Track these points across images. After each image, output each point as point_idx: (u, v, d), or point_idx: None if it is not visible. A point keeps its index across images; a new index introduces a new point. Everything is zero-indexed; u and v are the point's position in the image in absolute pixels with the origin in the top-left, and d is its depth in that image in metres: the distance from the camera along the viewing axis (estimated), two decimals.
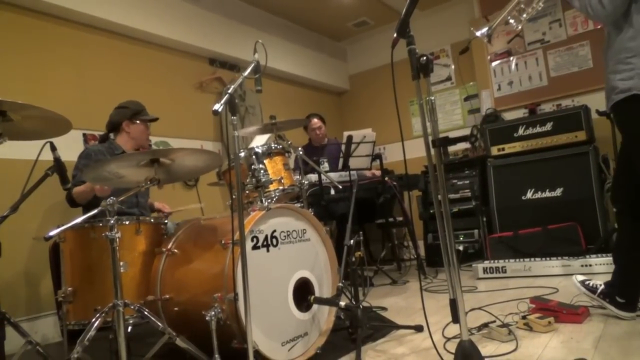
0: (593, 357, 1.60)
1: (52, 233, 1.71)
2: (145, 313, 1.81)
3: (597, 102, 4.00)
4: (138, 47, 3.96)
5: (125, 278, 1.86)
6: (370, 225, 4.76)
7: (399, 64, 1.79)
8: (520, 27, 1.96)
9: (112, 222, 1.71)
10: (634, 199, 1.91)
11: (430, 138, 1.44)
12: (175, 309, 1.95)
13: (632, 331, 1.86)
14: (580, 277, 2.24)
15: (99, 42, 3.68)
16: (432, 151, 1.45)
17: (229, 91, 1.48)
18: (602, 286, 2.10)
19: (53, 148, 2.04)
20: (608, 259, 3.09)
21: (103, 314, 1.75)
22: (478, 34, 1.89)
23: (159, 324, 1.80)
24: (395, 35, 1.46)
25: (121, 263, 1.77)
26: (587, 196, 3.68)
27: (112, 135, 2.79)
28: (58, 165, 2.05)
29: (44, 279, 3.02)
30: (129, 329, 1.83)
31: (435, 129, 1.41)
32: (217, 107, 1.43)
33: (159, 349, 1.86)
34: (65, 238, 2.00)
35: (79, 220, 1.77)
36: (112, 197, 1.72)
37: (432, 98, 1.42)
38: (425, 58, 1.40)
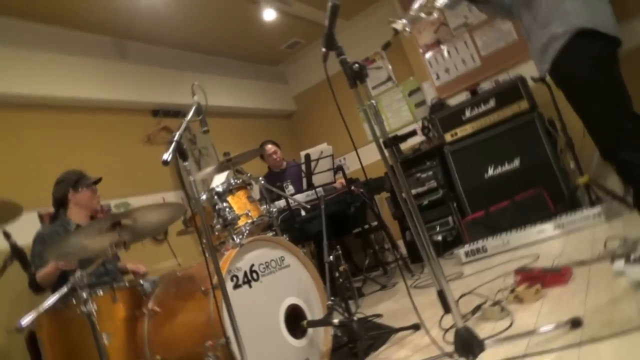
0: (585, 313, 1.64)
1: (24, 321, 1.63)
2: None
3: (529, 70, 4.18)
4: (78, 115, 3.88)
5: (111, 350, 1.79)
6: (349, 237, 4.76)
7: (338, 75, 1.83)
8: (435, 16, 2.01)
9: (85, 296, 1.65)
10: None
11: (380, 140, 1.47)
12: None
13: (616, 279, 1.93)
14: (619, 264, 1.91)
15: (38, 118, 3.59)
16: (386, 152, 1.48)
17: (175, 138, 1.47)
18: None
19: (7, 236, 1.95)
20: (579, 214, 3.20)
21: None
22: (395, 26, 1.92)
23: None
24: (323, 49, 1.49)
25: (104, 335, 1.70)
26: (543, 161, 3.82)
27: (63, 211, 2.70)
28: (17, 252, 1.96)
29: None
30: None
31: (383, 130, 1.44)
32: (166, 156, 1.41)
33: None
34: (41, 324, 1.91)
35: (50, 301, 1.70)
36: (80, 271, 1.66)
37: (373, 102, 1.45)
38: (357, 65, 1.43)
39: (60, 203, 2.67)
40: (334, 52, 1.52)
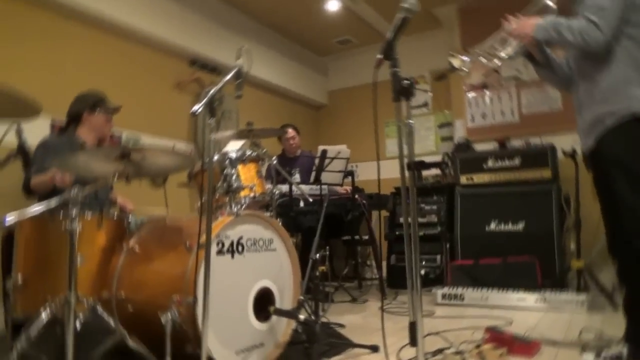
0: None
1: (8, 219, 1.64)
2: (98, 310, 1.75)
3: (563, 142, 4.15)
4: (117, 40, 3.88)
5: (80, 272, 1.79)
6: (336, 241, 4.76)
7: (380, 84, 1.82)
8: (497, 64, 1.99)
9: (74, 213, 1.66)
10: None
11: (405, 160, 1.46)
12: (130, 308, 1.89)
13: None
14: (589, 356, 1.93)
15: (78, 31, 3.58)
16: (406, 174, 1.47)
17: (210, 93, 1.47)
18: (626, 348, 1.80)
19: (19, 133, 1.95)
20: (563, 296, 3.19)
21: (53, 307, 1.68)
22: (452, 62, 1.90)
23: (111, 322, 1.74)
24: (380, 56, 1.49)
25: (79, 256, 1.71)
26: (547, 233, 3.80)
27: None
28: (22, 151, 1.97)
29: None
30: (79, 325, 1.75)
31: (412, 152, 1.43)
32: (197, 108, 1.41)
33: (109, 349, 1.79)
34: (22, 227, 1.91)
35: (39, 208, 1.70)
36: (77, 187, 1.67)
37: (411, 122, 1.44)
38: (407, 82, 1.43)
39: (74, 119, 2.66)
40: (389, 62, 1.51)
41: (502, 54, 1.92)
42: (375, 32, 5.44)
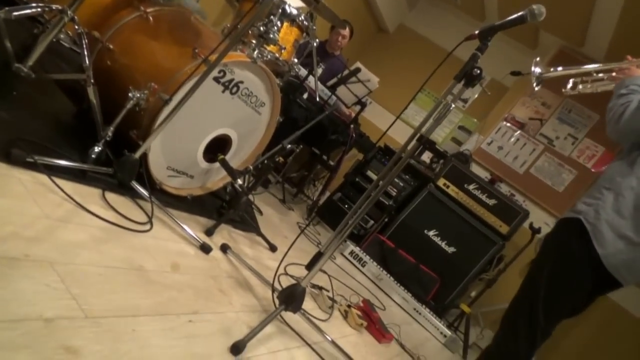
0: None
1: None
2: (83, 37, 1.69)
3: (537, 216, 4.28)
4: None
5: (84, 4, 1.69)
6: (305, 148, 4.78)
7: (444, 53, 1.75)
8: (570, 92, 1.93)
9: None
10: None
11: (420, 132, 1.46)
12: (108, 63, 1.85)
13: None
14: None
15: None
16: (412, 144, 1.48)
17: None
18: None
19: None
20: (434, 320, 3.44)
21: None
22: (533, 68, 1.84)
23: (87, 60, 1.70)
24: (476, 32, 1.43)
25: None
26: (466, 269, 4.00)
27: None
28: None
29: None
30: (61, 36, 1.70)
31: (431, 130, 1.43)
32: None
33: (63, 86, 1.77)
34: None
35: None
36: None
37: (453, 105, 1.42)
38: (478, 70, 1.39)
39: None
40: (478, 42, 1.45)
41: (594, 85, 1.88)
42: (480, 7, 5.13)
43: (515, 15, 1.42)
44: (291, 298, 1.50)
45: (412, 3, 6.09)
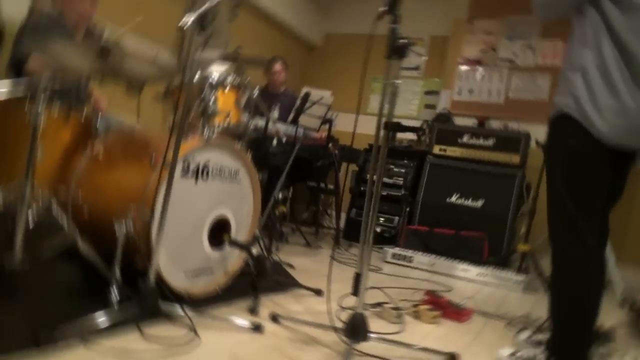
0: (463, 355, 1.76)
1: None
2: (53, 207, 1.73)
3: (539, 132, 4.22)
4: None
5: (40, 165, 1.74)
6: (301, 185, 4.81)
7: (378, 38, 1.78)
8: None
9: (41, 104, 1.60)
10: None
11: (383, 120, 1.47)
12: (85, 212, 1.87)
13: (504, 337, 2.07)
14: (505, 351, 1.82)
15: None
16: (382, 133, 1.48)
17: (204, 7, 1.40)
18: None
19: None
20: (504, 274, 3.37)
21: (6, 192, 1.65)
22: None
23: (64, 221, 1.73)
24: (384, 8, 1.45)
25: (39, 148, 1.67)
26: (502, 213, 3.95)
27: None
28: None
29: None
30: (32, 218, 1.74)
31: (391, 113, 1.44)
32: (187, 19, 1.35)
33: (58, 248, 1.79)
34: None
35: (3, 91, 1.64)
36: (50, 76, 1.60)
37: (398, 82, 1.43)
38: (404, 41, 1.41)
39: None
40: (390, 17, 1.47)
41: None
42: None
43: None
44: (355, 329, 1.47)
45: (327, 11, 6.21)
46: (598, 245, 1.62)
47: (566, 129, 1.58)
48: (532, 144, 4.02)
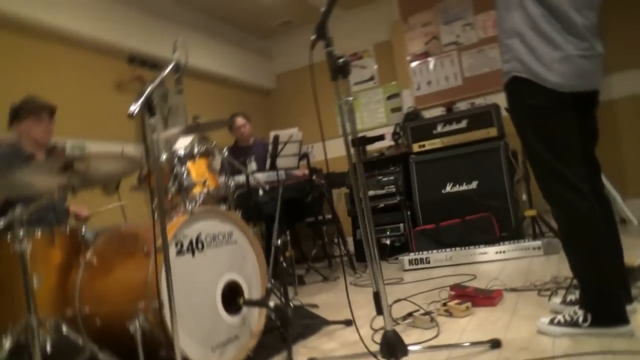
0: (505, 337, 1.73)
1: None
2: (63, 330, 1.71)
3: (504, 100, 4.30)
4: (52, 45, 3.69)
5: (39, 293, 1.74)
6: (301, 224, 4.79)
7: (324, 64, 1.82)
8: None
9: (21, 234, 1.60)
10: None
11: (349, 137, 1.49)
12: (97, 321, 1.85)
13: (540, 306, 2.04)
14: (544, 319, 1.74)
15: (7, 38, 3.39)
16: (352, 150, 1.50)
17: (146, 92, 1.43)
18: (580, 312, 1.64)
19: None
20: (521, 244, 3.36)
21: (15, 334, 1.63)
22: None
23: (79, 340, 1.71)
24: (313, 37, 1.49)
25: (34, 277, 1.66)
26: (499, 188, 3.96)
27: None
28: None
29: None
30: (48, 347, 1.71)
31: (354, 129, 1.46)
32: (133, 108, 1.37)
33: None
34: None
35: None
36: (21, 206, 1.61)
37: (350, 99, 1.46)
38: (343, 60, 1.44)
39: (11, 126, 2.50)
40: (323, 42, 1.52)
41: None
42: (315, 11, 5.38)
43: None
44: (390, 347, 1.45)
45: (269, 55, 6.36)
46: (592, 187, 1.64)
47: (522, 90, 1.64)
48: (504, 113, 4.08)
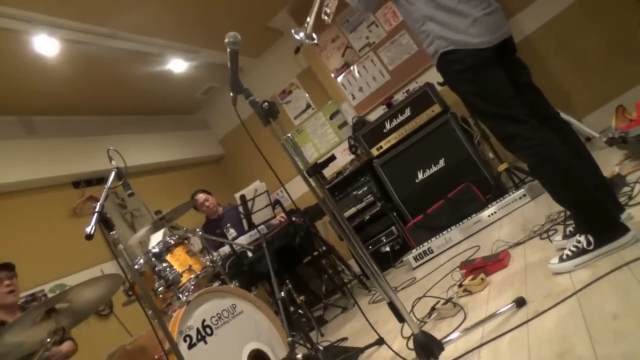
0: (527, 291, 1.74)
1: None
2: None
3: (434, 76, 4.44)
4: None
5: None
6: (301, 267, 4.74)
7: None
8: (329, 21, 2.14)
9: None
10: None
11: (304, 171, 1.50)
12: None
13: (547, 249, 2.06)
14: (554, 260, 1.76)
15: None
16: (312, 181, 1.51)
17: (96, 209, 1.42)
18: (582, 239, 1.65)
19: None
20: (507, 199, 3.41)
21: None
22: (297, 37, 1.98)
23: None
24: (231, 94, 1.52)
25: None
26: (465, 156, 4.04)
27: None
28: None
29: None
30: None
31: (304, 160, 1.48)
32: (88, 230, 1.36)
33: None
34: None
35: None
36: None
37: (289, 135, 1.49)
38: (266, 103, 1.47)
39: None
40: (243, 95, 1.55)
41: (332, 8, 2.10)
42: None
43: (228, 56, 1.53)
44: (424, 348, 1.43)
45: (206, 125, 6.42)
46: (547, 114, 1.82)
47: (450, 61, 1.78)
48: (439, 89, 4.20)
